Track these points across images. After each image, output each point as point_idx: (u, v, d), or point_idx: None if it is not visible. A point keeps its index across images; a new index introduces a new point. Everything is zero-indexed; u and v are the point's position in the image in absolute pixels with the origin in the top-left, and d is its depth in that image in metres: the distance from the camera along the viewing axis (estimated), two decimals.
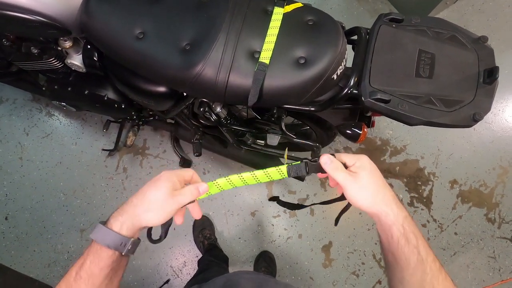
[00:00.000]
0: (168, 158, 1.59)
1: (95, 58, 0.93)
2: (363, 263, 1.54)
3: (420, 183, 1.64)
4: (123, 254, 0.43)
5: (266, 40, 0.69)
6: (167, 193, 0.44)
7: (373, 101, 0.68)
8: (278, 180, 1.61)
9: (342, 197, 0.50)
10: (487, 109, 0.67)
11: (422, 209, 1.61)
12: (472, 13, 1.80)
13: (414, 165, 1.65)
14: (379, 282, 1.53)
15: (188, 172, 0.49)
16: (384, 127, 1.68)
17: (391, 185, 1.61)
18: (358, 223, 1.58)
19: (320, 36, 0.71)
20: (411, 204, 1.61)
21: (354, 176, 0.46)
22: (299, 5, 0.74)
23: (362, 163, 0.47)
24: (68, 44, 0.91)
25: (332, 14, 0.75)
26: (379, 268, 1.54)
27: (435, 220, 1.60)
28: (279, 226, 1.57)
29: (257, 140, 1.34)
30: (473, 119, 0.66)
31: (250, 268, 1.51)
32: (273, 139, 1.15)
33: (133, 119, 1.29)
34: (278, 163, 1.41)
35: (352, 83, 0.72)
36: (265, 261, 1.47)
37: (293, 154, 1.39)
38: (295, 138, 0.98)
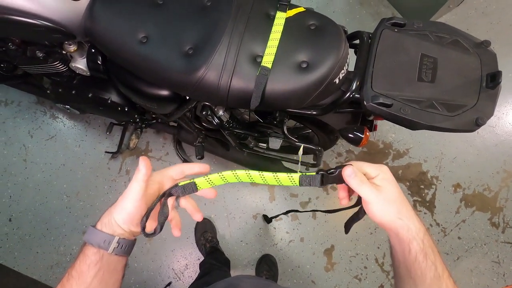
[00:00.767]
0: (171, 160, 1.59)
1: (99, 62, 0.93)
2: (365, 267, 1.54)
3: (423, 186, 1.63)
4: (109, 252, 0.43)
5: (268, 44, 0.70)
6: (137, 187, 0.45)
7: (375, 105, 0.68)
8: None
9: (355, 206, 0.49)
10: (490, 114, 0.67)
11: (425, 213, 1.60)
12: (475, 17, 1.80)
13: (417, 169, 1.64)
14: (382, 286, 1.52)
15: (173, 171, 0.49)
16: (387, 131, 1.68)
17: None
18: (360, 227, 1.57)
19: (322, 41, 0.71)
20: (414, 208, 1.60)
21: (379, 190, 0.44)
22: (301, 9, 0.75)
23: (386, 176, 0.45)
24: (72, 48, 0.92)
25: (335, 18, 0.76)
26: (382, 272, 1.53)
27: (438, 224, 1.59)
28: (281, 229, 1.56)
29: (259, 144, 1.34)
30: (476, 124, 0.66)
31: (252, 271, 1.50)
32: (275, 143, 1.15)
33: (136, 122, 1.30)
34: (280, 166, 1.41)
35: (354, 87, 0.72)
36: (267, 265, 1.47)
37: (294, 157, 1.39)
38: (297, 142, 0.99)
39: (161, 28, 0.74)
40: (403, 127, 0.72)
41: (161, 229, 0.46)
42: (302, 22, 0.73)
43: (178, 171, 0.50)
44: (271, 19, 0.72)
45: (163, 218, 0.46)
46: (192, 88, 0.71)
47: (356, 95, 0.72)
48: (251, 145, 1.29)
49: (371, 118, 0.94)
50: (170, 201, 0.48)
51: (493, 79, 0.67)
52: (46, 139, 1.61)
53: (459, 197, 1.62)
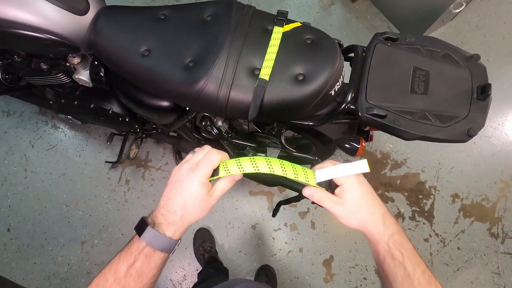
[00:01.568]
0: (170, 170, 1.60)
1: (101, 74, 0.96)
2: (365, 278, 1.52)
3: (421, 196, 1.63)
4: (171, 254, 0.47)
5: (266, 57, 0.72)
6: (205, 198, 0.47)
7: (369, 116, 0.70)
8: (279, 193, 1.62)
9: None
10: (481, 125, 0.69)
11: (424, 223, 1.60)
12: (469, 30, 1.85)
13: (415, 179, 1.65)
14: None
15: (214, 163, 0.48)
16: (385, 141, 1.70)
17: (391, 199, 1.61)
18: (359, 237, 1.56)
19: (318, 54, 0.74)
20: (412, 218, 1.60)
21: (341, 204, 0.48)
22: (297, 24, 0.77)
23: (349, 185, 0.49)
24: (76, 60, 0.95)
25: (331, 31, 0.79)
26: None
27: (437, 235, 1.59)
28: (280, 239, 1.56)
29: (258, 153, 1.36)
30: (468, 135, 0.68)
31: None
32: (273, 153, 1.16)
33: (137, 132, 1.32)
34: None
35: (349, 99, 0.74)
36: (265, 275, 1.46)
37: None
38: (294, 152, 1.00)
39: (162, 41, 0.77)
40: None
41: None
42: (298, 36, 0.76)
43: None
44: (269, 34, 0.75)
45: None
46: (192, 99, 0.73)
47: (351, 106, 0.74)
48: (249, 155, 1.31)
49: (367, 128, 0.96)
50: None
51: (484, 91, 0.69)
52: (47, 148, 1.62)
53: (457, 207, 1.62)
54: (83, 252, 1.51)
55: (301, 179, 0.50)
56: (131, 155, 1.52)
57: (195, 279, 1.47)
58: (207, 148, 0.50)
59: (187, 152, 1.50)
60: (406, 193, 1.63)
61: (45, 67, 0.99)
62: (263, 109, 0.71)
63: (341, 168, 0.49)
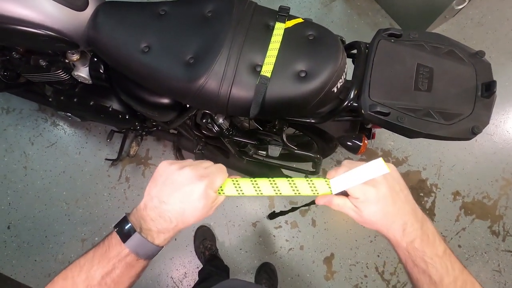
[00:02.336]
0: None
1: (101, 71, 0.95)
2: (365, 276, 1.52)
3: (422, 194, 1.63)
4: (150, 259, 0.44)
5: (267, 54, 0.71)
6: (205, 209, 0.44)
7: (372, 114, 0.69)
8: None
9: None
10: (486, 122, 0.68)
11: None
12: (472, 27, 1.83)
13: (416, 176, 1.65)
14: None
15: (225, 177, 0.46)
16: (386, 138, 1.69)
17: None
18: (360, 235, 1.56)
19: (321, 50, 0.73)
20: None
21: (357, 212, 0.44)
22: (299, 20, 0.76)
23: (366, 201, 0.43)
24: (75, 57, 0.93)
25: (333, 28, 0.77)
26: (382, 281, 1.52)
27: None
28: (280, 237, 1.56)
29: (259, 151, 1.35)
30: (472, 132, 0.67)
31: (251, 279, 1.49)
32: (275, 150, 1.16)
33: (137, 129, 1.31)
34: (279, 173, 1.42)
35: (352, 96, 0.73)
36: (266, 273, 1.46)
37: (294, 165, 1.40)
38: (296, 150, 0.99)
39: (162, 38, 0.76)
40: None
41: None
42: (300, 33, 0.75)
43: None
44: (270, 30, 0.74)
45: None
46: (193, 96, 0.73)
47: (354, 104, 0.73)
48: (250, 152, 1.30)
49: (369, 126, 0.95)
50: None
51: (488, 89, 0.68)
52: (46, 146, 1.61)
53: (458, 205, 1.62)
54: (84, 250, 1.49)
55: (321, 191, 0.46)
56: (131, 152, 1.52)
57: (196, 277, 1.48)
58: (211, 162, 0.48)
59: (187, 150, 1.49)
60: None
61: (44, 63, 0.98)
62: (264, 107, 0.70)
63: (357, 175, 0.44)
